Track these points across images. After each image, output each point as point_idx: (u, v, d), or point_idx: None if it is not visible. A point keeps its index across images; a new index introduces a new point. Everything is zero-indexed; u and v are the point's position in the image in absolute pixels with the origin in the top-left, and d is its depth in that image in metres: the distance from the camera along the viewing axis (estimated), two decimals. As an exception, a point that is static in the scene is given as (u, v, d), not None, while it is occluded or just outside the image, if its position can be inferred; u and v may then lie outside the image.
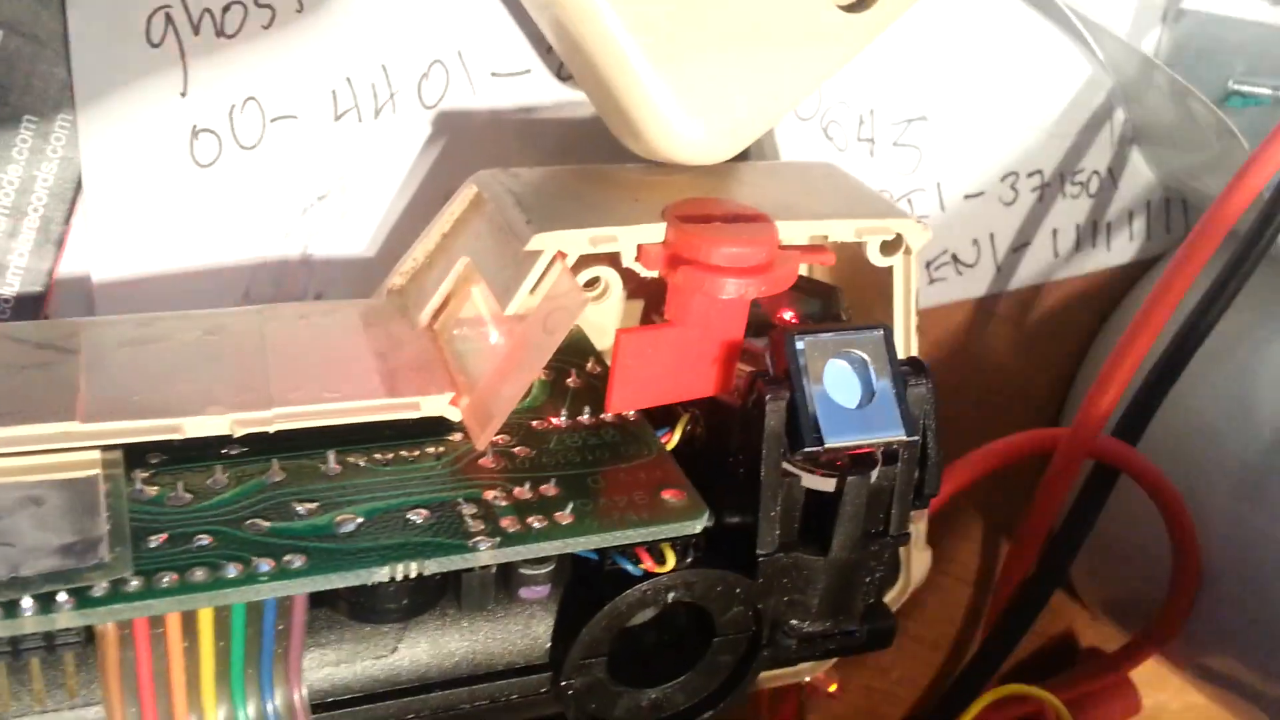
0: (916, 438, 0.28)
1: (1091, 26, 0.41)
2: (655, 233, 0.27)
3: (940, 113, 0.41)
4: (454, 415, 0.27)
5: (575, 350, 0.31)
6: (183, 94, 0.30)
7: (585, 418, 0.29)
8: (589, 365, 0.30)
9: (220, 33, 0.30)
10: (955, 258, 0.43)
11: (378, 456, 0.27)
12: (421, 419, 0.27)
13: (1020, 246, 0.44)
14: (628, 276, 0.29)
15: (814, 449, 0.27)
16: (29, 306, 0.30)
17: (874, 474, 0.28)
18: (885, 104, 0.40)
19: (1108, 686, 0.47)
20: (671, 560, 0.27)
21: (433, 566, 0.24)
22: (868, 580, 0.30)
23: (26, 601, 0.22)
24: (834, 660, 0.36)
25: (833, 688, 0.36)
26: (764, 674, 0.33)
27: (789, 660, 0.31)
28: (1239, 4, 0.44)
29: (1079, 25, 0.41)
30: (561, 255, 0.26)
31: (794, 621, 0.29)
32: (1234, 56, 0.44)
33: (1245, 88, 0.44)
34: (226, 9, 0.30)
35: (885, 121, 0.40)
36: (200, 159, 0.31)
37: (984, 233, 0.43)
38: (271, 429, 0.26)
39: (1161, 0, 0.43)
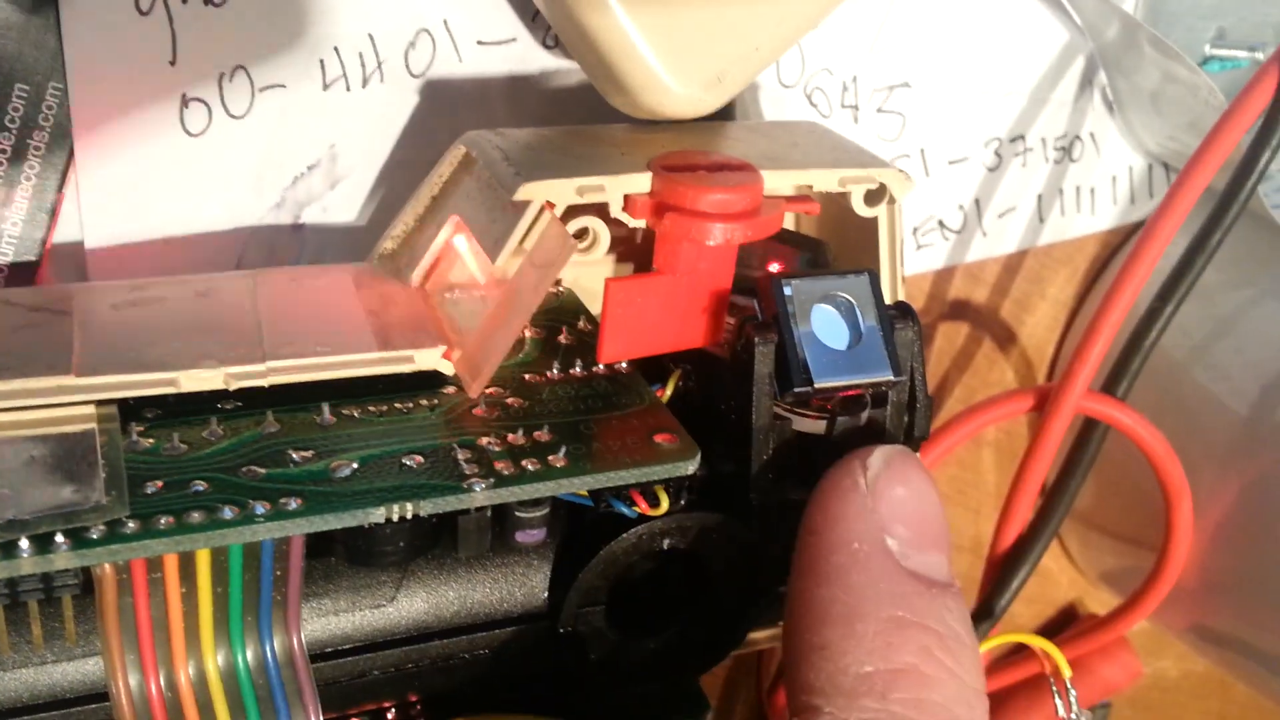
0: (904, 378, 0.28)
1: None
2: (642, 182, 0.28)
3: (923, 79, 0.41)
4: (447, 369, 0.28)
5: (566, 310, 0.31)
6: (172, 63, 0.30)
7: (577, 370, 0.29)
8: (580, 324, 0.31)
9: (208, 1, 0.30)
10: (941, 223, 0.44)
11: (372, 408, 0.27)
12: (414, 373, 0.27)
13: (1005, 212, 0.45)
14: (616, 237, 0.29)
15: (803, 390, 0.27)
16: (23, 275, 0.30)
17: (864, 415, 0.28)
18: (868, 71, 0.40)
19: (1105, 649, 0.48)
20: (665, 503, 0.27)
21: (428, 507, 0.25)
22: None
23: (24, 543, 0.22)
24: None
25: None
26: (762, 634, 0.33)
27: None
28: (1213, -32, 0.45)
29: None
30: (549, 205, 0.27)
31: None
32: (1209, 21, 0.45)
33: (1222, 51, 0.45)
34: None
35: (868, 88, 0.40)
36: (190, 128, 0.31)
37: (969, 198, 0.44)
38: (265, 383, 0.26)
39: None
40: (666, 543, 0.28)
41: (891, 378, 0.28)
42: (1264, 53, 0.44)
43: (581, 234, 0.28)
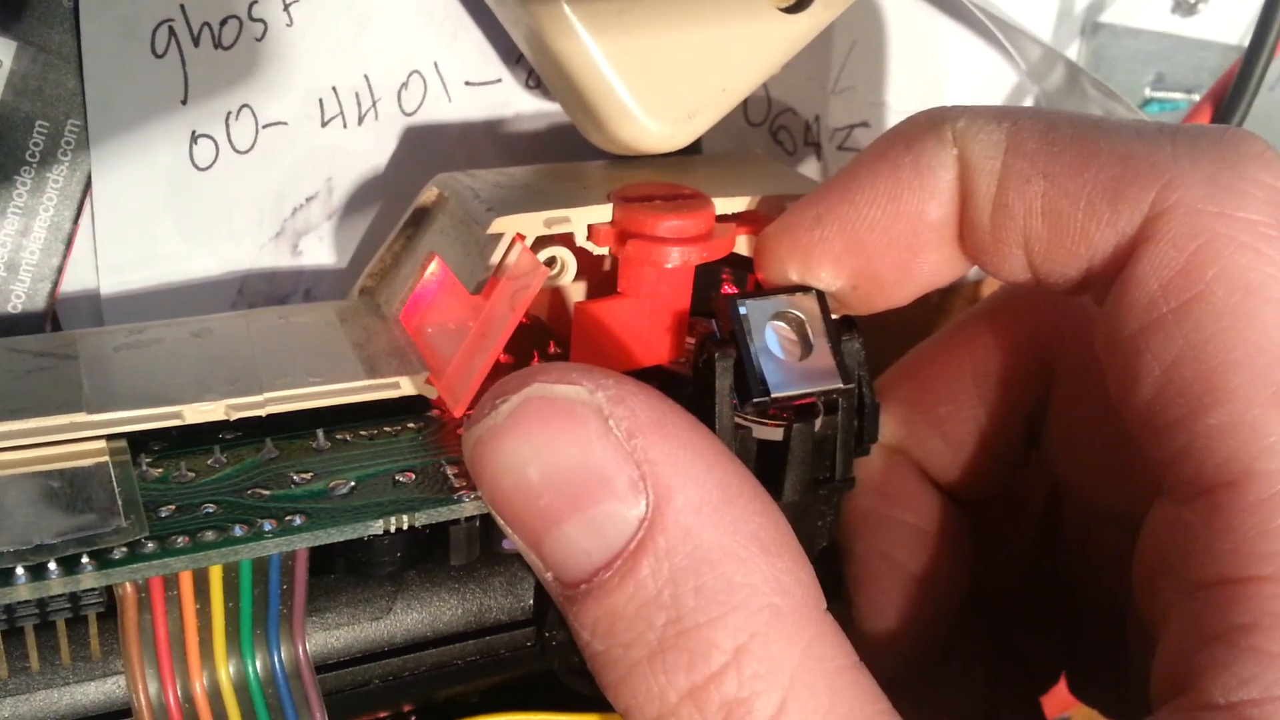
0: (853, 386, 0.30)
1: (1015, 37, 0.44)
2: (604, 213, 0.30)
3: (880, 119, 0.44)
4: (430, 393, 0.30)
5: (539, 334, 0.33)
6: (183, 102, 0.33)
7: (551, 391, 0.31)
8: (551, 348, 0.33)
9: (218, 45, 0.33)
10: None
11: (363, 433, 0.29)
12: (401, 399, 0.30)
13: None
14: (583, 264, 0.31)
15: (761, 400, 0.29)
16: (39, 299, 0.33)
17: (818, 422, 0.30)
18: (829, 111, 0.43)
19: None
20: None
21: (422, 518, 0.27)
22: (819, 524, 0.32)
23: (52, 565, 0.24)
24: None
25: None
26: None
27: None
28: (1151, 17, 0.48)
29: (1002, 38, 0.44)
30: (520, 237, 0.29)
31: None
32: (1147, 66, 0.48)
33: (1161, 94, 0.48)
34: (224, 22, 0.33)
35: (829, 127, 0.43)
36: (199, 162, 0.33)
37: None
38: (264, 413, 0.28)
39: (1079, 14, 0.47)
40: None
41: (841, 386, 0.30)
42: (1200, 94, 0.48)
43: (550, 262, 0.30)
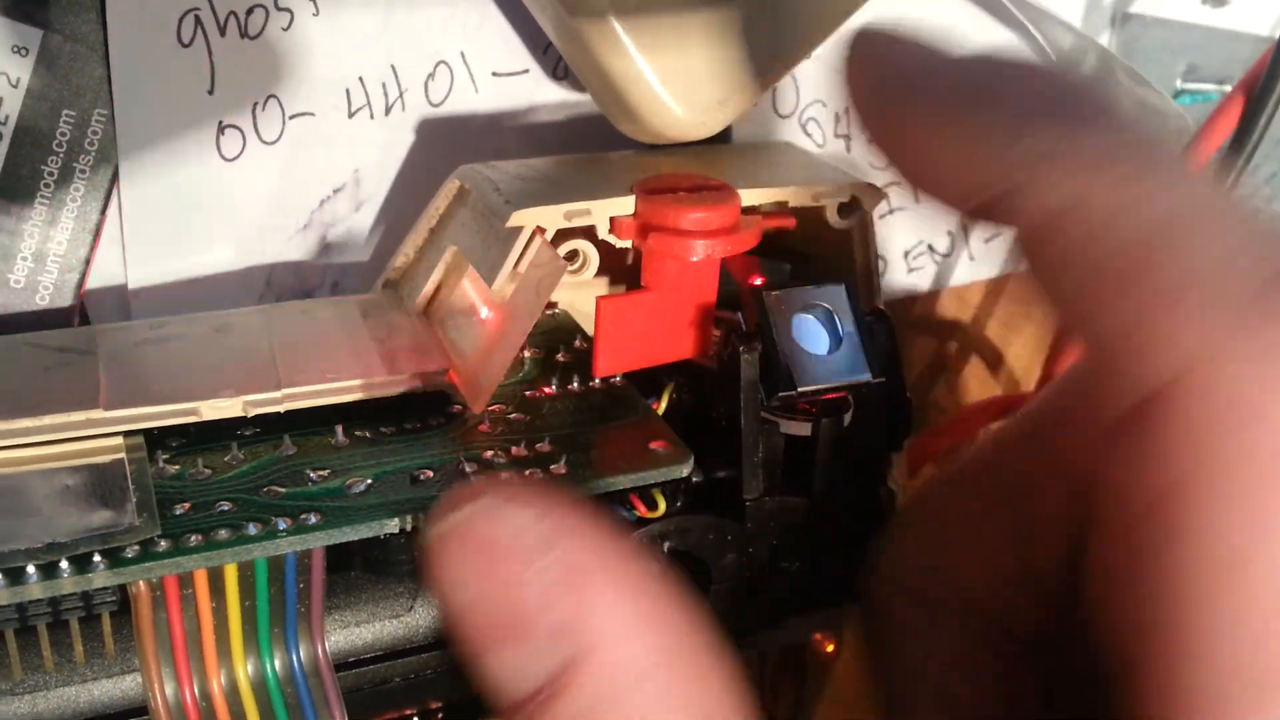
0: (883, 379, 0.30)
1: (1045, 25, 0.43)
2: (626, 205, 0.29)
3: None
4: (452, 389, 0.29)
5: (562, 329, 0.33)
6: (210, 92, 0.33)
7: (575, 386, 0.31)
8: (576, 343, 0.32)
9: (244, 34, 0.33)
10: (931, 248, 0.45)
11: (383, 430, 0.29)
12: (421, 395, 0.29)
13: (992, 237, 0.46)
14: (605, 258, 0.31)
15: (787, 394, 0.29)
16: (66, 291, 0.32)
17: (847, 416, 0.30)
18: (859, 103, 0.42)
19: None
20: (663, 505, 0.29)
21: (438, 516, 0.26)
22: (851, 523, 0.31)
23: (64, 564, 0.24)
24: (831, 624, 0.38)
25: (830, 647, 0.38)
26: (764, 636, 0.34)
27: (784, 608, 0.32)
28: (1182, 8, 0.47)
29: (1030, 26, 0.43)
30: (540, 230, 0.28)
31: (784, 564, 0.31)
32: (1178, 57, 0.47)
33: (1193, 85, 0.47)
34: (250, 11, 0.32)
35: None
36: (226, 153, 0.33)
37: (957, 225, 0.45)
38: (282, 409, 0.28)
39: (1109, 5, 0.46)
40: (666, 544, 0.29)
41: (870, 379, 0.29)
42: (1231, 85, 0.46)
43: (572, 256, 0.30)
